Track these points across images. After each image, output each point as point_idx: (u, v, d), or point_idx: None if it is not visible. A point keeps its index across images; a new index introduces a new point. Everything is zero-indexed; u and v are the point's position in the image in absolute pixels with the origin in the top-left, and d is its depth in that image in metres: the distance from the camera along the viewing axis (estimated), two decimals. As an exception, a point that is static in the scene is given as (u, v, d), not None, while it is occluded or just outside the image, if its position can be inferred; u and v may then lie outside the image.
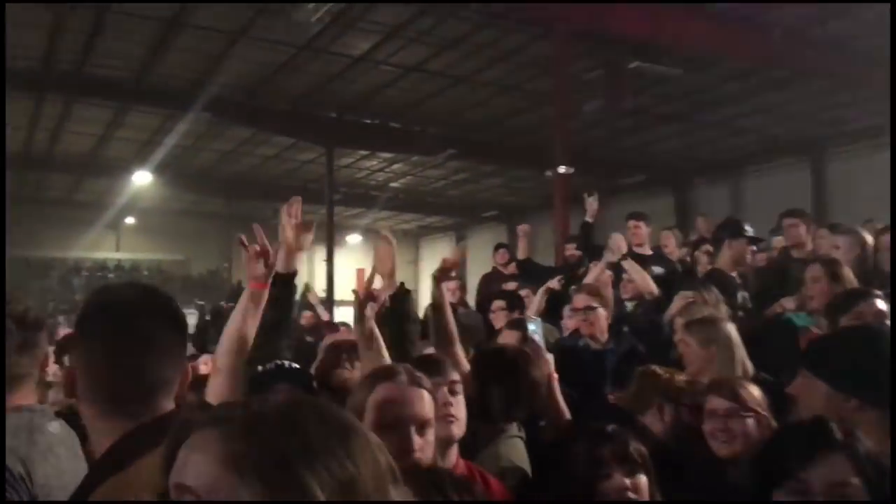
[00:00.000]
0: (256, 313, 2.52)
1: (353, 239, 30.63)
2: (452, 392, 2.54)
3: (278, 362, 2.68)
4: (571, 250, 8.16)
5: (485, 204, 26.83)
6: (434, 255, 32.49)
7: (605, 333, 4.76)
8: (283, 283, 2.85)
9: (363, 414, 2.00)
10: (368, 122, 17.89)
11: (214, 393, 2.41)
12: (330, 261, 19.57)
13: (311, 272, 29.60)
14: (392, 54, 13.87)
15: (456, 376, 2.68)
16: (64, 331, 6.83)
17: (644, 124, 17.23)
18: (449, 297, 7.43)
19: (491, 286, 8.14)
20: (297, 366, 2.74)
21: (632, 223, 7.13)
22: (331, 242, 19.66)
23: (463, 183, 24.09)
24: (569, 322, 5.38)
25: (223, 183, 23.08)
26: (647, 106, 15.42)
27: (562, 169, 10.82)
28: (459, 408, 2.56)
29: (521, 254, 8.26)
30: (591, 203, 7.40)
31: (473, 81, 15.07)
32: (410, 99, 16.26)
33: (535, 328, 3.62)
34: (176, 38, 13.10)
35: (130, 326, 1.51)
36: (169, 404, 1.55)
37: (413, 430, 1.99)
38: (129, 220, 27.64)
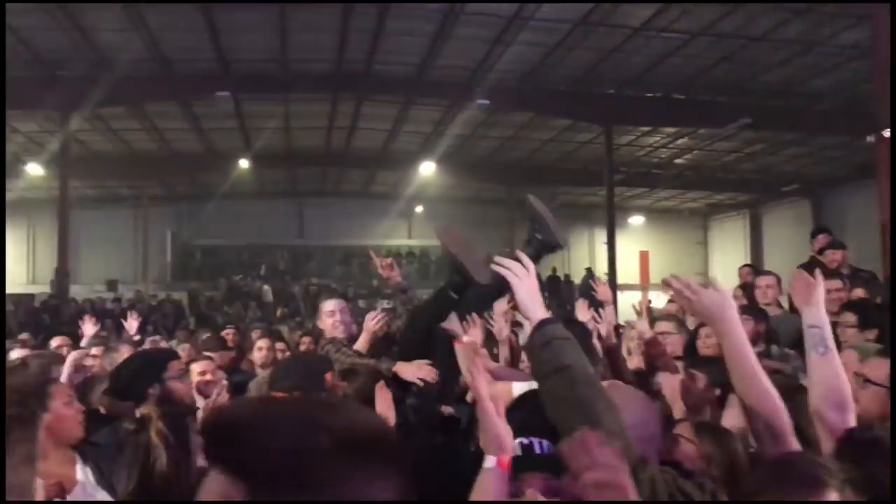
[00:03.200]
0: None
1: (636, 220, 29.51)
2: None
3: None
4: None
5: (785, 177, 24.28)
6: (725, 235, 30.29)
7: None
8: None
9: None
10: (650, 95, 16.86)
11: None
12: (611, 243, 18.89)
13: (591, 255, 29.15)
14: (675, 20, 12.79)
15: None
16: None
17: None
18: (760, 297, 6.36)
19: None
20: None
21: None
22: (611, 224, 18.99)
23: (758, 155, 21.95)
24: None
25: (503, 169, 23.30)
26: None
27: (887, 132, 9.13)
28: None
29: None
30: None
31: (771, 40, 13.44)
32: (696, 67, 14.98)
33: None
34: (452, 29, 13.19)
35: None
36: None
37: None
38: (419, 209, 29.08)
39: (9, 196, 24.31)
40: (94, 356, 4.91)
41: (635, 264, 27.60)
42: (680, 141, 20.78)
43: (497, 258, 2.18)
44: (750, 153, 21.82)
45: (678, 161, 23.06)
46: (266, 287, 24.59)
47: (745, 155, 22.07)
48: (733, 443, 2.52)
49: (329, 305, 4.58)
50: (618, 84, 16.27)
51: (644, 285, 27.46)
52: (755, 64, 14.71)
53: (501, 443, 1.81)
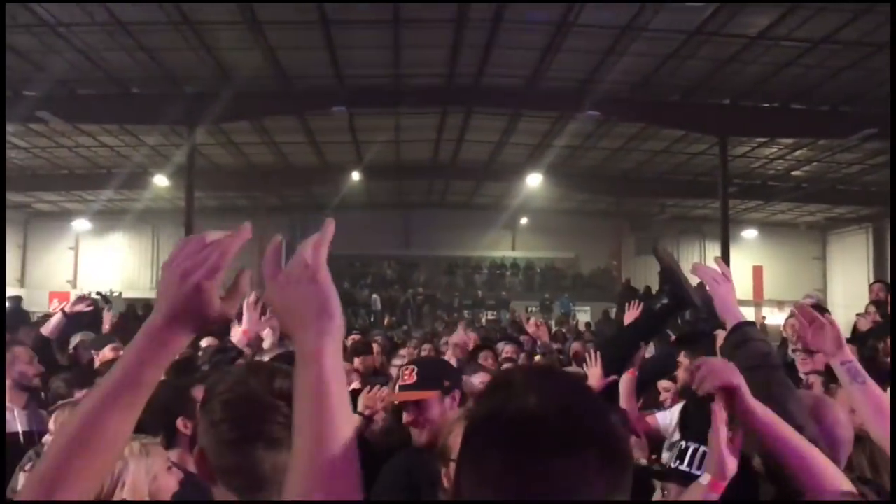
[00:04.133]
0: None
1: (749, 234, 28.54)
2: None
3: None
4: None
5: (912, 190, 22.96)
6: (845, 250, 28.87)
7: None
8: None
9: None
10: (766, 105, 16.33)
11: None
12: (724, 257, 18.32)
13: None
14: (795, 28, 12.36)
15: None
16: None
17: None
18: None
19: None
20: None
21: None
22: (725, 237, 18.41)
23: (883, 166, 20.83)
24: None
25: (611, 180, 23.05)
26: None
27: None
28: None
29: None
30: None
31: (899, 47, 12.80)
32: (817, 76, 14.42)
33: None
34: (563, 41, 13.20)
35: None
36: None
37: None
38: (523, 221, 29.07)
39: (135, 205, 25.90)
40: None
41: (748, 279, 26.67)
42: (798, 152, 20.00)
43: (695, 265, 2.36)
44: (874, 165, 20.77)
45: (795, 173, 22.20)
46: (374, 296, 25.18)
47: (868, 167, 21.03)
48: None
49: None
50: (733, 94, 15.84)
51: (758, 301, 26.52)
52: (881, 72, 14.02)
53: (721, 468, 1.86)
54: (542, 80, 15.20)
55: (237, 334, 3.89)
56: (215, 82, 14.77)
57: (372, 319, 22.29)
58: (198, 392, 2.85)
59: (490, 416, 0.97)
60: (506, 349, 5.80)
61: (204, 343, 5.14)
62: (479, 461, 0.94)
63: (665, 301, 3.32)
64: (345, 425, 0.98)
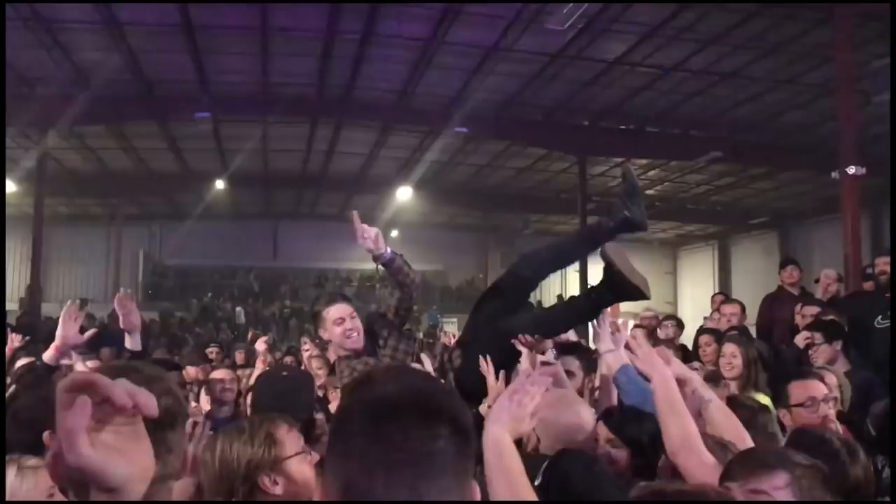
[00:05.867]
0: None
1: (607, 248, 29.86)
2: None
3: None
4: (883, 265, 6.47)
5: (753, 210, 24.82)
6: (694, 265, 30.74)
7: None
8: None
9: None
10: (623, 127, 17.23)
11: None
12: (583, 271, 19.11)
13: (563, 282, 29.37)
14: (649, 55, 13.15)
15: None
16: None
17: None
18: (724, 324, 6.64)
19: (778, 310, 6.94)
20: None
21: None
22: (585, 253, 19.22)
23: (728, 188, 22.45)
24: None
25: (479, 196, 23.55)
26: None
27: (851, 169, 9.49)
28: None
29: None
30: None
31: (741, 77, 13.87)
32: (669, 101, 15.38)
33: None
34: (432, 58, 13.43)
35: None
36: None
37: None
38: (394, 234, 29.12)
39: (-22, 212, 24.09)
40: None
41: (606, 292, 27.92)
42: (651, 172, 21.16)
43: None
44: (720, 186, 22.29)
45: (649, 192, 23.44)
46: (238, 309, 24.51)
47: (714, 188, 22.55)
48: None
49: (335, 311, 3.76)
50: (592, 116, 16.61)
51: (614, 313, 27.75)
52: (726, 99, 15.14)
53: None
54: (411, 95, 15.38)
55: (49, 351, 3.55)
56: (71, 84, 14.01)
57: (235, 333, 21.66)
58: None
59: (356, 402, 1.14)
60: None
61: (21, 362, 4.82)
62: (347, 440, 1.09)
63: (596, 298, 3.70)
64: None
